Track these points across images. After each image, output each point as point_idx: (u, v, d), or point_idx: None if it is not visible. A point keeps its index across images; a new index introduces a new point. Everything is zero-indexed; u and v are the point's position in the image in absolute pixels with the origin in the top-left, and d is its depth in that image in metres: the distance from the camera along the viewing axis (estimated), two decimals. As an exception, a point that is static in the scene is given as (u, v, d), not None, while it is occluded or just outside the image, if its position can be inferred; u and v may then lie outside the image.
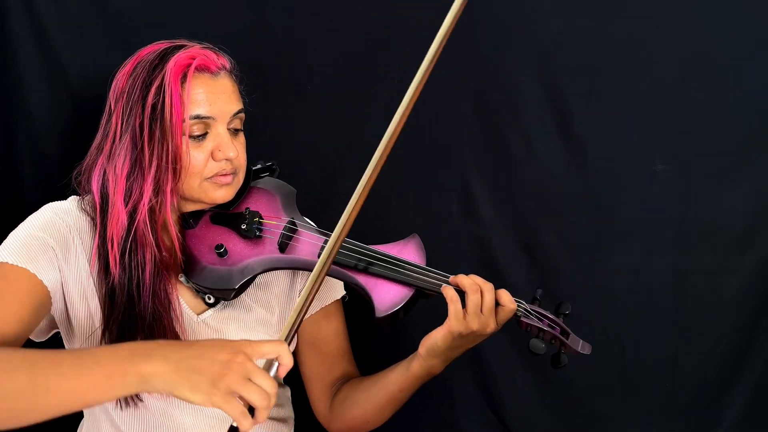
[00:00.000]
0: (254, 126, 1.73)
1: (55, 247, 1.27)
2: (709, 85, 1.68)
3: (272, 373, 1.05)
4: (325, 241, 1.31)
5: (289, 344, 1.09)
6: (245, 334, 1.37)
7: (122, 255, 1.27)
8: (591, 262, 1.74)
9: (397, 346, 1.50)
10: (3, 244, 1.27)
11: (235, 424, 1.03)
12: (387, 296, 1.31)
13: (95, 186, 1.31)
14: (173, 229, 1.31)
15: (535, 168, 1.74)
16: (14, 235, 1.28)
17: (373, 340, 1.66)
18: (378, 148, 1.15)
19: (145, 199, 1.27)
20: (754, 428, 1.74)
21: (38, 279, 1.23)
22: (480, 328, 1.27)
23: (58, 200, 1.37)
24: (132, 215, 1.27)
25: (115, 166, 1.29)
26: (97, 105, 1.40)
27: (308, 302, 1.13)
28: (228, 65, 1.37)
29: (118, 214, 1.27)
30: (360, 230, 1.80)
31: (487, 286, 1.29)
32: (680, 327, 1.73)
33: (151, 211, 1.28)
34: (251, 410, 1.02)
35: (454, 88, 1.74)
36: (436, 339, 1.29)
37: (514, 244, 1.76)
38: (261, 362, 1.07)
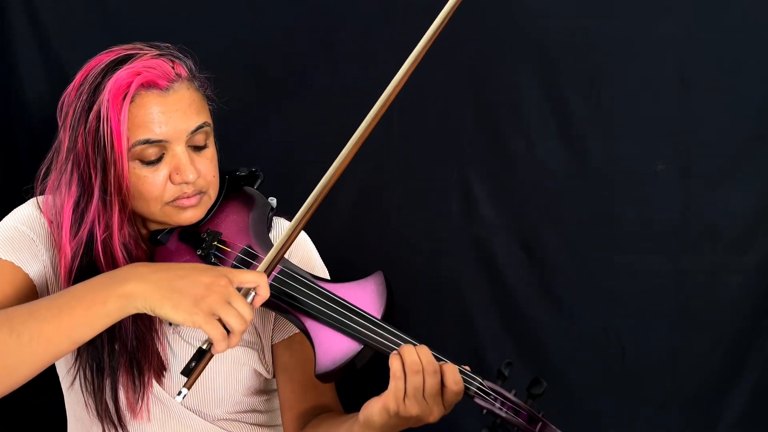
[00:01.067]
0: (254, 127, 1.74)
1: (37, 241, 1.23)
2: (709, 85, 1.68)
3: (249, 300, 1.06)
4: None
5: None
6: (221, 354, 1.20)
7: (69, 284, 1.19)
8: (591, 262, 1.74)
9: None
10: None
11: (204, 347, 1.04)
12: (331, 348, 1.11)
13: (46, 213, 1.23)
14: (121, 260, 1.19)
15: (535, 168, 1.74)
16: None
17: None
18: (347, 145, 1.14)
19: (96, 231, 1.17)
20: (753, 428, 1.73)
21: (23, 272, 1.20)
22: (421, 414, 1.07)
23: None
24: (78, 247, 1.18)
25: (61, 192, 1.19)
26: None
27: (290, 241, 1.11)
28: (185, 73, 1.20)
29: (64, 247, 1.18)
30: (360, 230, 1.82)
31: (431, 368, 1.07)
32: (680, 327, 1.73)
33: (105, 243, 1.18)
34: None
35: (454, 87, 1.74)
36: (372, 411, 1.10)
37: (514, 244, 1.76)
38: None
